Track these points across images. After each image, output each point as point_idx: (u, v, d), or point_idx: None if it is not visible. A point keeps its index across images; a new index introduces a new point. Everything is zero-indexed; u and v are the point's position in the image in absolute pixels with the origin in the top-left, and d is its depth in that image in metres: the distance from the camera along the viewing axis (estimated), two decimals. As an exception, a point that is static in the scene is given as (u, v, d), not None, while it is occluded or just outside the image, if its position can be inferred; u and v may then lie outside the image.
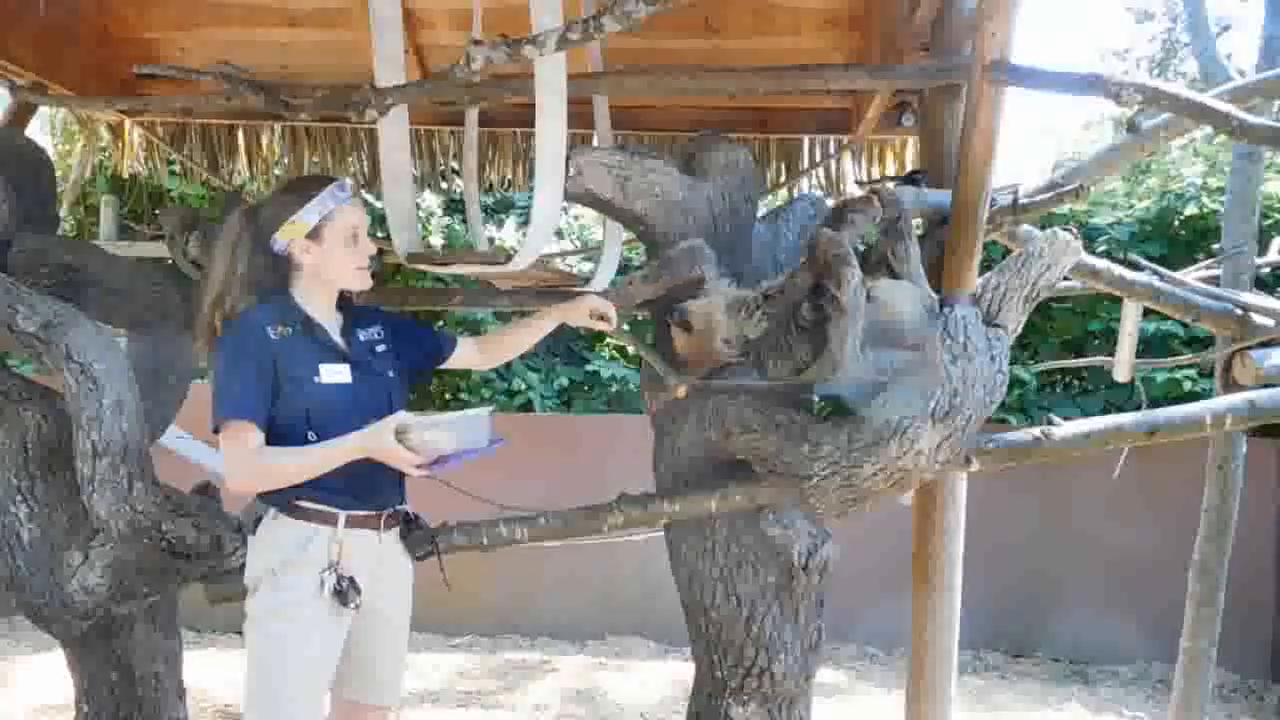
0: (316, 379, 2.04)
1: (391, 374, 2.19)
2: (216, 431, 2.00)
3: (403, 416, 1.96)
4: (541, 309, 2.51)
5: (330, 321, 2.15)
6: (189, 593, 2.54)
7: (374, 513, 2.11)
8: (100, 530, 2.30)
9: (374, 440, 1.95)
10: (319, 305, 2.14)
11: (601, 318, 2.38)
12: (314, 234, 2.09)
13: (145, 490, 2.24)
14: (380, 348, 2.20)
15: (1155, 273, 3.33)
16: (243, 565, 2.21)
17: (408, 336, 2.29)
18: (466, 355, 2.43)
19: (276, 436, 2.01)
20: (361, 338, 2.17)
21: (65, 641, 2.52)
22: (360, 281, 2.17)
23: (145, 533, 2.25)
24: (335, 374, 2.07)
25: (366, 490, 2.07)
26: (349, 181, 2.20)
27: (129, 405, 2.26)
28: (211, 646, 5.57)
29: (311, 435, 2.02)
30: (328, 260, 2.12)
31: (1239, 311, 3.34)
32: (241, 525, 2.35)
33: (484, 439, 2.06)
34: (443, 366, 2.42)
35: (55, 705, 4.37)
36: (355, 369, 2.10)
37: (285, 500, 2.04)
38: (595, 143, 3.40)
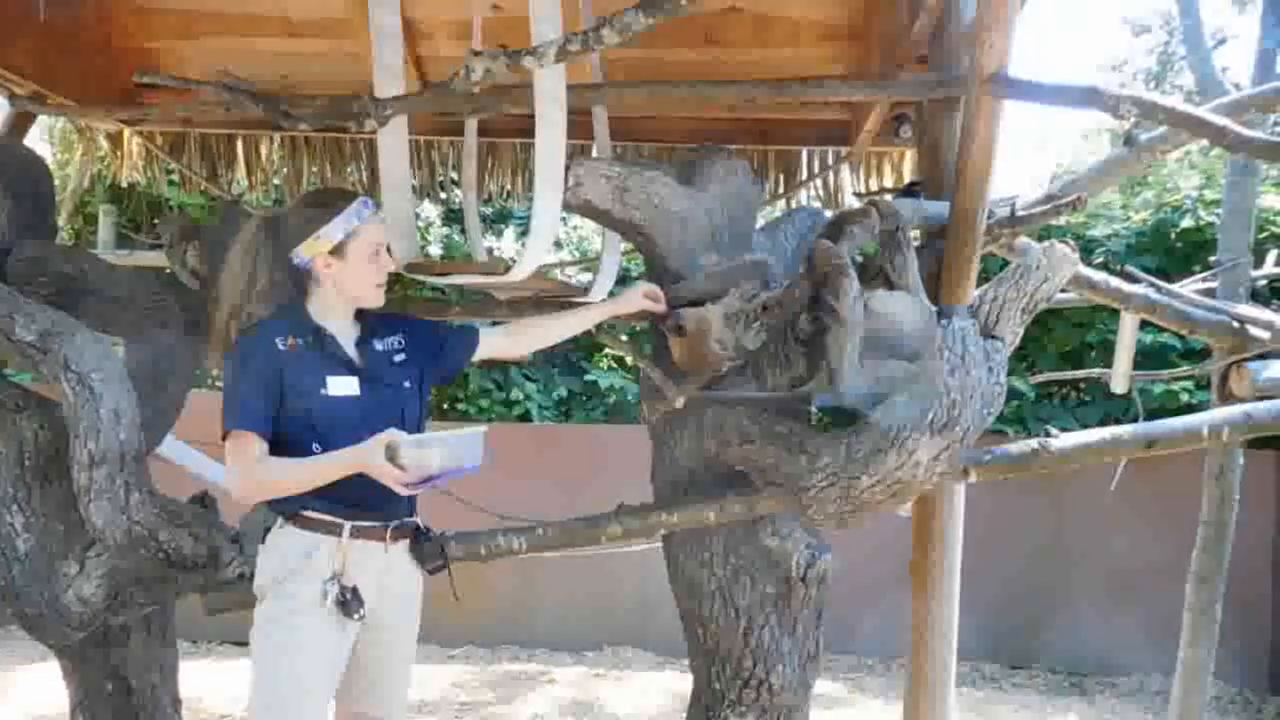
0: (323, 391, 2.05)
1: (408, 384, 2.18)
2: (225, 440, 2.02)
3: (393, 435, 1.94)
4: (589, 303, 2.44)
5: (346, 333, 2.14)
6: (185, 603, 2.54)
7: (381, 524, 2.10)
8: (97, 540, 2.29)
9: (364, 457, 1.94)
10: (335, 317, 2.14)
11: (655, 300, 2.34)
12: (338, 250, 2.09)
13: (142, 500, 2.23)
14: (398, 357, 2.19)
15: (1152, 285, 3.34)
16: (240, 576, 2.20)
17: (429, 342, 2.27)
18: (493, 345, 2.38)
19: (284, 447, 2.02)
20: (378, 348, 2.17)
21: (61, 652, 2.51)
22: (378, 297, 2.18)
23: (142, 542, 2.24)
24: (343, 387, 2.07)
25: (373, 502, 2.06)
26: (370, 199, 2.19)
27: (126, 414, 2.25)
28: (208, 657, 5.54)
29: (317, 447, 2.02)
30: (349, 276, 2.12)
31: (1235, 324, 3.35)
32: (239, 536, 2.34)
33: (476, 457, 2.03)
34: (473, 358, 2.38)
35: (50, 716, 4.35)
36: (366, 381, 2.10)
37: (293, 510, 2.05)
38: (594, 153, 3.40)
